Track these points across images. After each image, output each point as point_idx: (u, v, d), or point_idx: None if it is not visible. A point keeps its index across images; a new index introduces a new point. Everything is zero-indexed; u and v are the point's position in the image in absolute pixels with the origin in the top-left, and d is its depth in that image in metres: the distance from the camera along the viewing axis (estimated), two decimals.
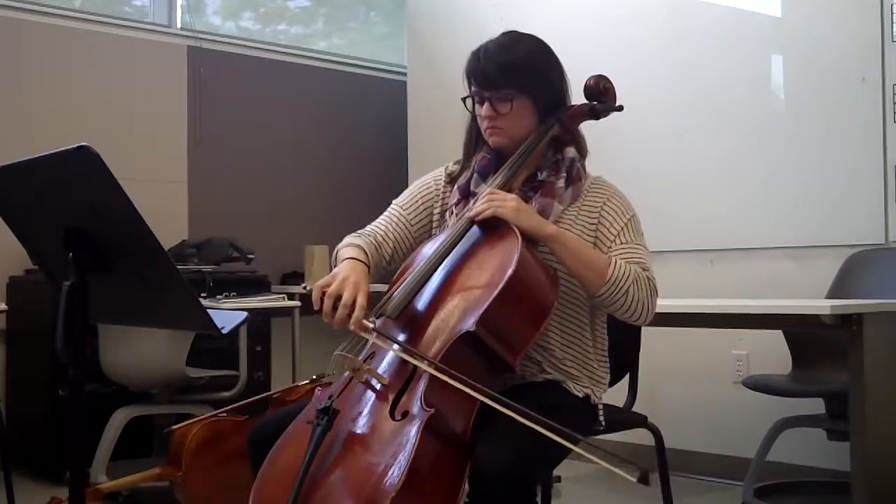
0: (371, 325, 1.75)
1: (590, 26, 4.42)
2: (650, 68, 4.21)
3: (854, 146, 3.61)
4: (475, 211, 1.85)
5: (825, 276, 3.53)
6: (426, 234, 2.09)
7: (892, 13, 3.52)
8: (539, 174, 1.97)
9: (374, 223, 2.09)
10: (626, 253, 1.91)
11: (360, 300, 1.76)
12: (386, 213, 2.12)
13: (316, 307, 1.80)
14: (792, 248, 3.78)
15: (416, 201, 2.11)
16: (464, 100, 2.03)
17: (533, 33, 2.07)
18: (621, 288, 1.85)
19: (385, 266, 2.06)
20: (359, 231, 2.06)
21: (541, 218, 1.88)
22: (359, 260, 1.89)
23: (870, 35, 3.56)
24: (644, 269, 1.90)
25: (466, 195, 2.00)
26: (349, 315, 1.75)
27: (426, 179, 2.15)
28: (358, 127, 5.64)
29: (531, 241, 1.85)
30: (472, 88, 2.00)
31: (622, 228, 1.94)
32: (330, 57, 5.69)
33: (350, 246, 1.97)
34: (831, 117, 3.68)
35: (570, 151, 2.00)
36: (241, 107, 5.22)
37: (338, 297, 1.77)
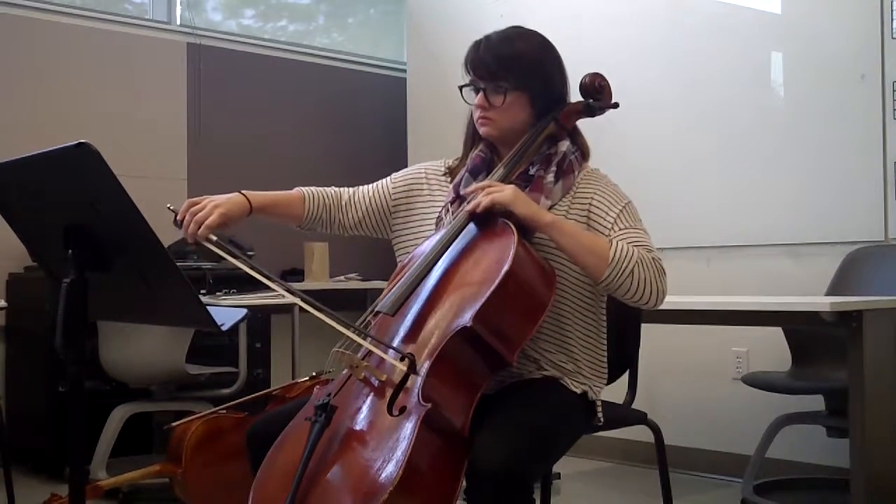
0: (213, 239, 1.90)
1: (589, 23, 4.43)
2: (649, 65, 4.21)
3: (853, 143, 3.61)
4: (473, 204, 1.85)
5: (825, 273, 3.54)
6: (403, 212, 2.14)
7: (891, 10, 3.52)
8: (530, 168, 1.97)
9: (363, 186, 2.19)
10: (626, 237, 1.89)
11: (210, 220, 1.91)
12: (378, 181, 2.19)
13: (178, 217, 1.94)
14: (791, 245, 3.79)
15: (406, 180, 2.17)
16: (461, 88, 2.03)
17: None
18: (625, 269, 1.82)
19: (350, 228, 2.17)
20: (338, 187, 2.19)
21: (538, 206, 1.88)
22: (248, 199, 2.01)
23: (869, 32, 3.56)
24: (648, 251, 1.87)
25: (459, 194, 2.01)
26: (198, 229, 1.90)
27: (421, 165, 2.20)
28: (357, 123, 5.64)
29: (529, 229, 1.86)
30: (469, 77, 2.01)
31: (617, 216, 1.93)
32: (330, 54, 5.69)
33: (298, 189, 2.13)
34: (830, 114, 3.68)
35: (564, 145, 1.99)
36: (241, 104, 5.22)
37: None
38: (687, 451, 3.97)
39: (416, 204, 2.13)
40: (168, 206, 1.97)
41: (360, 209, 2.15)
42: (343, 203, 2.16)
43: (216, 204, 1.95)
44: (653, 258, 1.86)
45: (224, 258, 1.89)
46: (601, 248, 1.84)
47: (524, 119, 1.99)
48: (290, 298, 1.84)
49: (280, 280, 1.85)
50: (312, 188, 2.15)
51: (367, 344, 1.78)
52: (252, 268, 1.84)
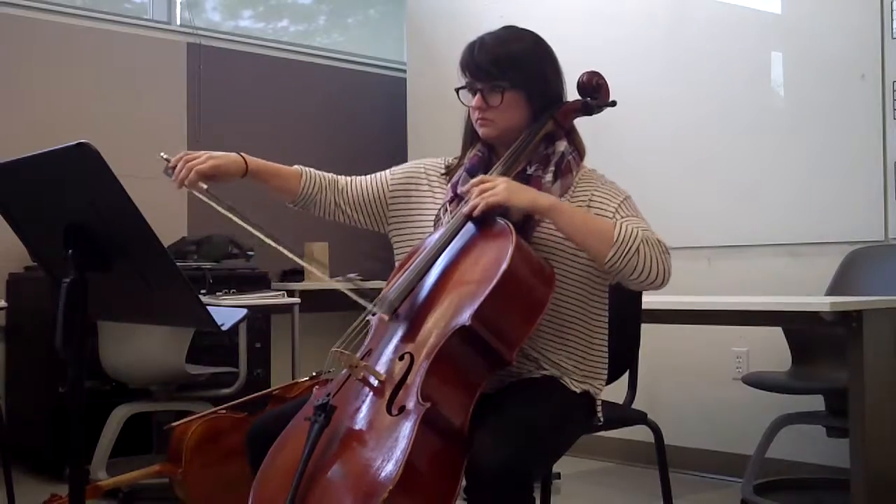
0: (203, 188, 1.98)
1: (589, 23, 4.43)
2: (649, 64, 4.21)
3: (853, 143, 3.61)
4: (469, 207, 1.85)
5: (825, 272, 3.54)
6: (400, 206, 2.14)
7: (891, 10, 3.52)
8: (528, 168, 1.97)
9: (364, 175, 2.21)
10: (628, 221, 1.90)
11: (201, 167, 1.99)
12: (378, 172, 2.21)
13: (171, 164, 2.02)
14: (791, 245, 3.79)
15: (405, 174, 2.18)
16: (457, 91, 2.03)
17: (531, 29, 2.07)
18: (631, 248, 1.81)
19: (344, 214, 2.17)
20: (336, 174, 2.22)
21: (535, 191, 1.87)
22: (245, 161, 2.12)
23: (869, 32, 3.56)
24: (651, 234, 1.88)
25: (457, 193, 2.01)
26: (189, 176, 1.98)
27: (421, 161, 2.21)
28: (357, 123, 5.65)
29: (531, 217, 1.86)
30: (466, 79, 2.01)
31: (618, 207, 1.94)
32: (330, 54, 5.69)
33: (297, 166, 2.18)
34: (831, 114, 3.68)
35: (561, 145, 1.99)
36: (241, 104, 5.22)
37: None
38: (687, 451, 3.97)
39: (414, 199, 2.13)
40: (161, 154, 2.00)
41: (356, 196, 2.16)
42: (340, 187, 2.17)
43: (211, 155, 2.03)
44: (657, 239, 1.87)
45: (214, 206, 1.94)
46: (605, 228, 1.84)
47: (522, 118, 1.99)
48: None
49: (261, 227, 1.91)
50: (312, 168, 2.17)
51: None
52: (243, 219, 1.87)
